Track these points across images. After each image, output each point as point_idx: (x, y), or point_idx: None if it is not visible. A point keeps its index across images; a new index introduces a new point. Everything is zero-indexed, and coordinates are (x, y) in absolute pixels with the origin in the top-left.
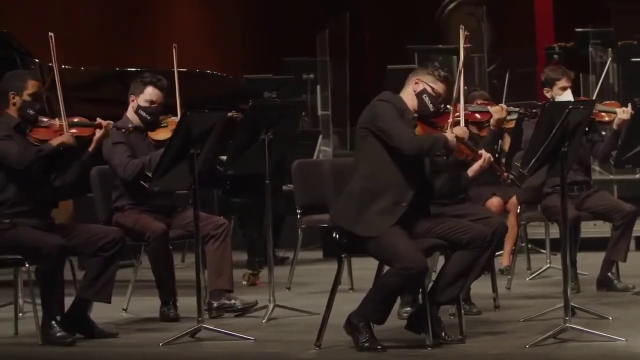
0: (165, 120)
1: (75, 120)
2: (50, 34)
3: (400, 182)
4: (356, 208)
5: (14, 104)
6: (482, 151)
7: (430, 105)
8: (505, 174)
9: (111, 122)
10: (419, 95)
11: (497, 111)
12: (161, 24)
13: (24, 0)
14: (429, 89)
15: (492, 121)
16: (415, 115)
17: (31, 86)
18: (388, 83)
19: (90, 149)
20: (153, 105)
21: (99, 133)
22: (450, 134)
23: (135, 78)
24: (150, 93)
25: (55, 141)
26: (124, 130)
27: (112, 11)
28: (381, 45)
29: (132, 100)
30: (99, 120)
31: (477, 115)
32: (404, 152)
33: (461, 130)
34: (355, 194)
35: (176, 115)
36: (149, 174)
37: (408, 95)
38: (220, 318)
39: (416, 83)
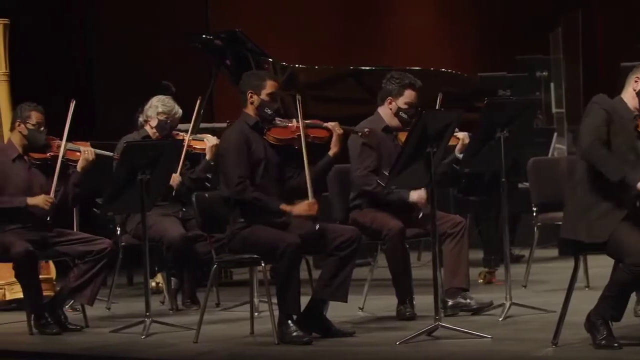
0: None
1: (309, 122)
2: None
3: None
4: (580, 217)
5: (252, 103)
6: None
7: None
8: None
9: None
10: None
11: None
12: (393, 24)
13: (260, 2)
14: None
15: None
16: (637, 114)
17: (269, 86)
18: (622, 80)
19: (331, 153)
20: (412, 107)
21: (335, 136)
22: None
23: (374, 77)
24: (409, 95)
25: (286, 208)
26: (359, 134)
27: (345, 11)
28: (614, 42)
29: (390, 102)
30: (329, 123)
31: None
32: (580, 152)
33: None
34: (577, 204)
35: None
36: (385, 173)
37: (629, 95)
38: (456, 316)
39: (636, 81)
